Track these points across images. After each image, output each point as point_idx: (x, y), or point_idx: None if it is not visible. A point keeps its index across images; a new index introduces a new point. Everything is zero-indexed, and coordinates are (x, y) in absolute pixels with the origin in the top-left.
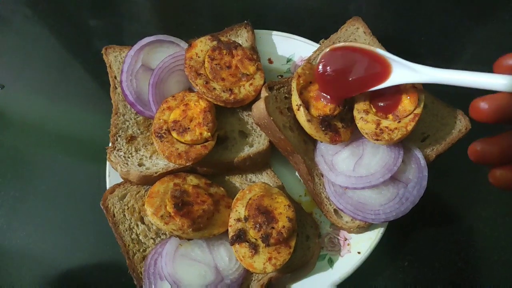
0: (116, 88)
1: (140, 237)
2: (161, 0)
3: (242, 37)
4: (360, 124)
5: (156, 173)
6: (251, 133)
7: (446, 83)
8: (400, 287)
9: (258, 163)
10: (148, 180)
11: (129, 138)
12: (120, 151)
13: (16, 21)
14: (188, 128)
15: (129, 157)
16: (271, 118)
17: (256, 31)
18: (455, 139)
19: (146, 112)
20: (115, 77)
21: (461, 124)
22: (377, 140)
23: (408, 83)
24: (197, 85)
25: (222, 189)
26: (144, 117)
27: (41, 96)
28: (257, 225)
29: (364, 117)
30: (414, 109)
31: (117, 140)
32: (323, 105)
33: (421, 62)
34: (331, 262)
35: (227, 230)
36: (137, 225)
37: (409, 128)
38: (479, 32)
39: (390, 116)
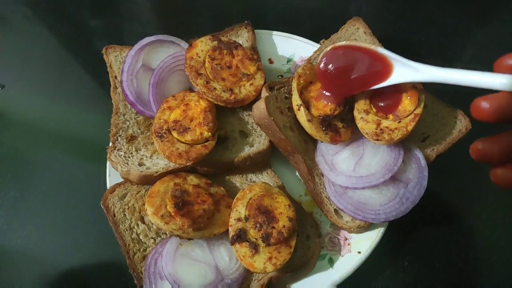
0: (116, 88)
1: (141, 237)
2: (161, 0)
3: (242, 37)
4: (360, 124)
5: (156, 172)
6: (252, 133)
7: (447, 82)
8: (400, 287)
9: (258, 163)
10: (148, 180)
11: (129, 137)
12: (121, 151)
13: (16, 21)
14: (189, 128)
15: (129, 157)
16: (272, 118)
17: (256, 31)
18: (455, 139)
19: (147, 112)
20: (116, 77)
21: (461, 124)
22: (378, 140)
23: (409, 83)
24: (197, 85)
25: (222, 188)
26: (144, 117)
27: (41, 96)
28: (258, 225)
29: (364, 117)
30: (415, 109)
31: (117, 139)
32: (324, 105)
33: (421, 62)
34: (331, 262)
35: (228, 229)
36: (138, 225)
37: (410, 128)
38: (479, 32)
39: (391, 116)
